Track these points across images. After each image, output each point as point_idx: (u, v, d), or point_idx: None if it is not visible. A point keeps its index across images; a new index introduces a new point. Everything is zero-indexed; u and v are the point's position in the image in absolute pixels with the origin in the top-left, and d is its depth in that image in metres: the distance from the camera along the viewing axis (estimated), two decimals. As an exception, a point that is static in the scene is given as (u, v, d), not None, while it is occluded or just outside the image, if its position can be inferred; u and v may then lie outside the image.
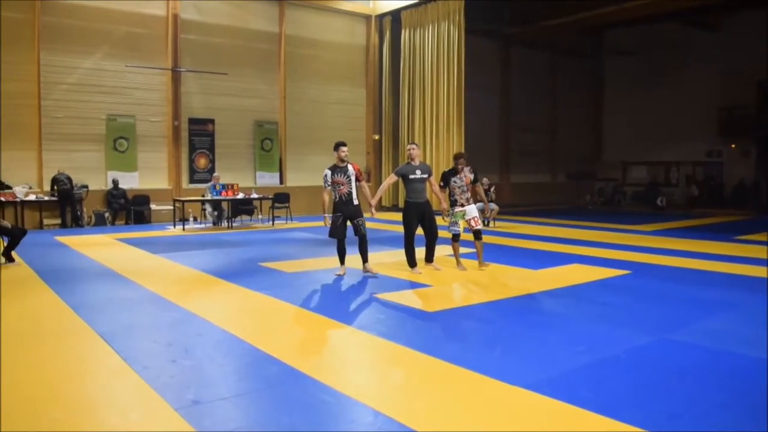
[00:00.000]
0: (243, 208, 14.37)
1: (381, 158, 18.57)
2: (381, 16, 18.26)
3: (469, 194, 7.45)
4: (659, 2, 16.16)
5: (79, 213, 13.21)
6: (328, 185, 7.01)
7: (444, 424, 3.00)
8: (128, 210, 14.04)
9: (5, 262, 7.89)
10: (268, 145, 16.47)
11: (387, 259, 8.24)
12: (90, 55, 13.73)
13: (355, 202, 7.03)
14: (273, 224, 13.86)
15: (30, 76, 12.92)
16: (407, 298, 5.97)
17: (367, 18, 18.24)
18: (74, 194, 13.00)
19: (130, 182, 14.26)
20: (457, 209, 7.40)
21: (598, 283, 6.75)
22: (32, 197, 12.70)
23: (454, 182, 7.40)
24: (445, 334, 4.81)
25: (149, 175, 14.70)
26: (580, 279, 6.96)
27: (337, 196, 7.00)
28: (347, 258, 7.24)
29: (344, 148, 7.02)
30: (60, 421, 3.01)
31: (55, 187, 12.75)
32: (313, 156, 16.83)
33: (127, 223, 13.97)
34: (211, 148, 15.55)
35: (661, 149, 22.00)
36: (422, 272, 7.27)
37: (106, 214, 13.71)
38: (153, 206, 14.36)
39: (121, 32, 14.07)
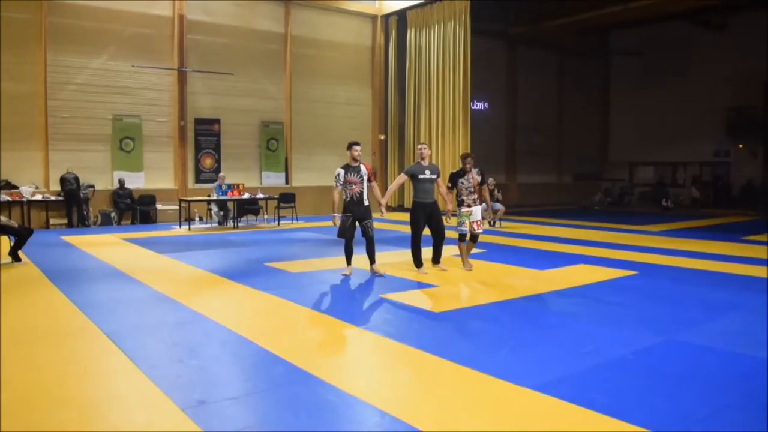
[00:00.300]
0: (249, 208, 14.38)
1: (387, 158, 18.56)
2: (387, 16, 18.26)
3: (476, 195, 7.43)
4: (665, 2, 16.10)
5: (85, 213, 13.27)
6: (340, 184, 6.97)
7: (451, 424, 2.98)
8: (134, 210, 14.09)
9: (12, 262, 7.93)
10: (273, 145, 16.49)
11: (393, 260, 8.22)
12: (96, 55, 13.79)
13: (366, 202, 7.01)
14: (278, 224, 13.88)
15: (37, 77, 13.00)
16: (414, 298, 5.95)
17: (372, 18, 18.24)
18: (81, 194, 13.06)
19: (136, 182, 14.31)
20: (464, 209, 7.38)
21: (605, 284, 6.73)
22: (38, 197, 12.77)
23: (462, 183, 7.37)
24: (452, 334, 4.78)
25: (155, 175, 14.75)
26: (587, 279, 6.94)
27: (348, 196, 6.97)
28: (353, 258, 7.24)
29: (357, 148, 7.01)
30: (66, 420, 3.01)
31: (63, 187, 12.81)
32: (319, 156, 16.89)
33: (133, 223, 14.02)
34: (217, 148, 15.58)
35: (668, 150, 21.91)
36: (429, 272, 7.26)
37: (112, 214, 13.76)
38: (159, 206, 14.41)
39: (127, 33, 14.13)
